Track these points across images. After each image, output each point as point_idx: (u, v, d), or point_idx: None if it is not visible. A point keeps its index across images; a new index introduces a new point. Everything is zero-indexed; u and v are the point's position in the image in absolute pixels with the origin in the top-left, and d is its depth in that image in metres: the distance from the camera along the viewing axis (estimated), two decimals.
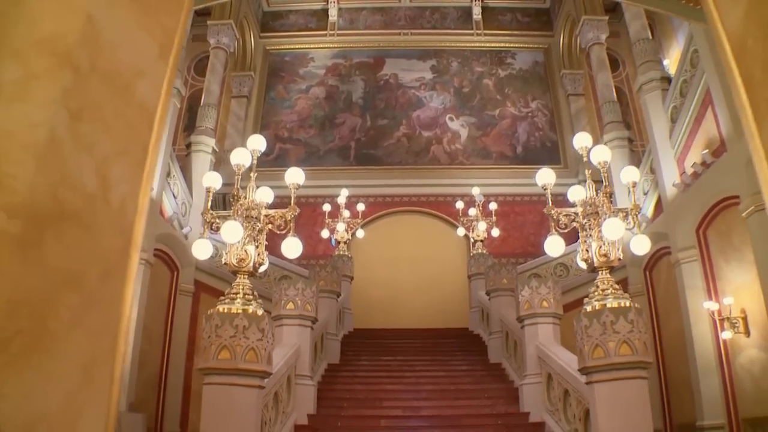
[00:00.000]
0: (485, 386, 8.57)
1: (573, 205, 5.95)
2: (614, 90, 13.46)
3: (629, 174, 5.72)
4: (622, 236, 5.40)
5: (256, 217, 5.56)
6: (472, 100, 15.45)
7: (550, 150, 14.91)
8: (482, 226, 12.19)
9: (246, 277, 5.43)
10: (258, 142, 5.82)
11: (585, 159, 5.90)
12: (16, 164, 1.66)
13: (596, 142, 13.69)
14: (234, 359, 4.95)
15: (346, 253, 12.22)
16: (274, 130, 15.05)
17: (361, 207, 12.67)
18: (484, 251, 12.16)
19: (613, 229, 5.14)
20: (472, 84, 15.63)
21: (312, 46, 16.08)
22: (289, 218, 5.61)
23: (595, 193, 5.70)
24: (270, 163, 13.69)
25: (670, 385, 10.14)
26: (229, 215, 5.48)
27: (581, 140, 5.91)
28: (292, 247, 5.45)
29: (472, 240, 12.53)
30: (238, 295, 5.29)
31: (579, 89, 15.38)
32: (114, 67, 2.11)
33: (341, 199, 12.34)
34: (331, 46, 16.10)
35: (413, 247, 13.77)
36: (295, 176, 5.74)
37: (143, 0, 2.36)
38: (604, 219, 5.34)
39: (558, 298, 7.64)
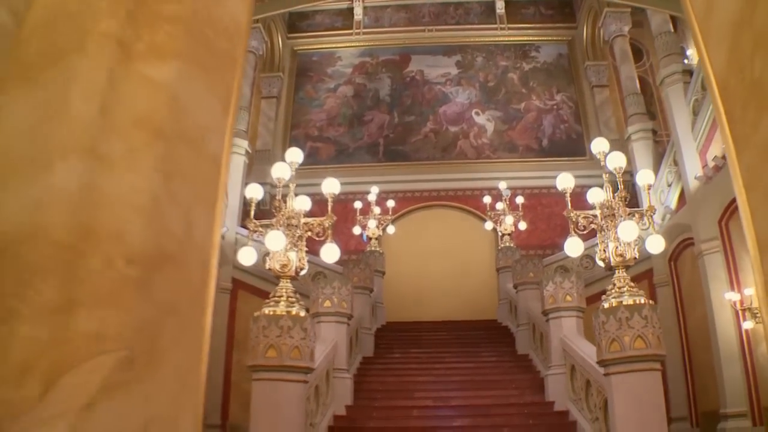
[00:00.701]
0: (513, 377, 9.01)
1: (592, 206, 6.32)
2: (638, 81, 13.65)
3: (645, 177, 6.07)
4: (642, 234, 5.76)
5: (296, 225, 6.05)
6: (498, 94, 15.75)
7: (576, 142, 15.15)
8: (509, 219, 12.57)
9: (288, 281, 5.94)
10: (295, 155, 6.32)
11: (603, 163, 6.24)
12: (129, 222, 2.14)
13: (621, 133, 13.98)
14: (280, 357, 5.48)
15: (378, 248, 12.72)
16: (304, 129, 15.57)
17: (391, 203, 13.17)
18: (512, 244, 12.54)
19: (627, 231, 5.52)
20: (497, 78, 15.93)
21: (339, 45, 16.52)
22: (326, 225, 6.10)
23: (612, 195, 6.05)
24: (302, 161, 14.20)
25: (695, 372, 10.43)
26: (271, 224, 5.98)
27: (598, 145, 6.26)
28: (330, 253, 5.95)
29: (499, 233, 12.91)
30: (282, 298, 5.82)
31: (603, 80, 15.56)
32: (191, 130, 2.58)
33: (371, 197, 12.83)
34: (357, 44, 16.51)
35: (442, 241, 14.20)
36: (331, 186, 6.23)
37: (209, 66, 2.83)
38: (620, 221, 5.71)
39: (581, 292, 8.03)
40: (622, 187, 5.99)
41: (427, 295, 13.58)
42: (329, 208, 6.18)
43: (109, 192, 2.07)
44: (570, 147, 15.02)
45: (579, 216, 6.12)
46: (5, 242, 1.84)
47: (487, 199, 13.09)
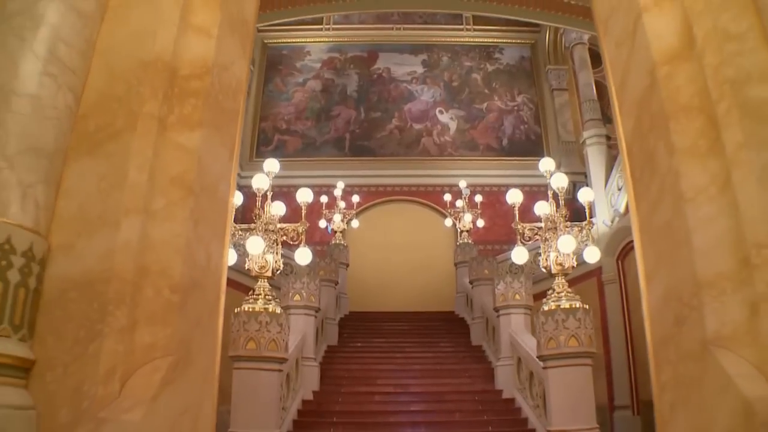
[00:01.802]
0: (467, 366, 9.96)
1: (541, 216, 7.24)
2: (595, 86, 14.65)
3: (585, 194, 7.01)
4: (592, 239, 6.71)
5: (273, 230, 6.81)
6: (461, 93, 16.59)
7: (535, 142, 16.13)
8: (468, 217, 13.50)
9: (266, 280, 6.71)
10: (273, 165, 7.05)
11: (548, 180, 7.14)
12: (171, 261, 2.91)
13: (578, 135, 15.04)
14: (259, 349, 6.26)
15: (342, 242, 13.52)
16: (273, 121, 16.17)
17: (356, 198, 13.96)
18: (470, 241, 13.48)
19: (566, 244, 6.45)
20: (461, 78, 16.75)
21: (308, 39, 17.09)
22: (300, 231, 6.87)
23: (555, 211, 6.98)
24: (269, 153, 14.77)
25: (637, 365, 11.56)
26: (250, 228, 6.73)
27: (545, 164, 7.16)
28: (304, 256, 6.74)
29: (458, 230, 13.84)
30: (260, 296, 6.58)
31: (563, 84, 16.53)
32: (210, 181, 3.35)
33: (338, 192, 13.60)
34: (326, 39, 17.11)
35: (404, 235, 15.04)
36: (304, 195, 7.01)
37: (221, 125, 3.58)
38: (560, 235, 6.64)
39: (529, 291, 8.99)
40: (563, 204, 6.92)
41: (388, 286, 14.43)
42: (303, 215, 6.97)
43: (157, 239, 2.86)
44: (529, 147, 15.98)
45: (525, 228, 7.04)
46: (89, 282, 2.62)
47: (447, 197, 13.99)
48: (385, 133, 16.18)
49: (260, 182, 6.71)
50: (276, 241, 6.86)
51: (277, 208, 7.10)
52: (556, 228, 6.86)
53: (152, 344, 2.73)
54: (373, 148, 16.04)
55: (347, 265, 13.37)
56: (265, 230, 6.78)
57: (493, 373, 9.23)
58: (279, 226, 6.91)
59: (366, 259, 14.56)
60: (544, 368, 6.79)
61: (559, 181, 6.94)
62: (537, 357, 6.95)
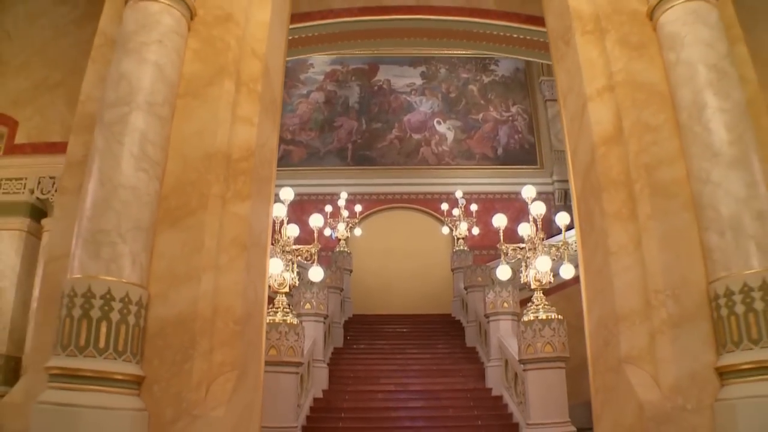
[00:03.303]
0: (461, 366, 11.15)
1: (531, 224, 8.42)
2: None
3: (562, 218, 8.15)
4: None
5: (288, 251, 7.98)
6: (458, 104, 17.72)
7: (528, 152, 17.28)
8: (464, 226, 14.66)
9: (284, 295, 7.89)
10: (288, 194, 8.20)
11: (529, 205, 8.30)
12: (234, 301, 4.06)
13: None
14: (279, 355, 7.43)
15: (346, 249, 14.70)
16: (279, 132, 17.26)
17: (358, 208, 15.13)
18: (465, 248, 14.65)
19: (543, 264, 7.62)
20: (458, 89, 17.88)
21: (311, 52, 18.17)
22: (313, 252, 8.05)
23: (535, 234, 8.15)
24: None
25: None
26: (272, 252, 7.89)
27: (527, 192, 8.31)
28: (316, 274, 7.93)
29: (455, 237, 15.01)
30: (279, 309, 7.75)
31: (556, 95, 17.64)
32: (257, 237, 4.51)
33: (341, 202, 14.77)
34: (329, 53, 18.20)
35: (404, 241, 16.22)
36: (317, 221, 8.17)
37: (262, 191, 4.73)
38: (539, 255, 7.81)
39: (516, 300, 10.17)
40: (541, 228, 8.10)
41: (389, 290, 15.63)
42: (315, 238, 8.14)
43: (223, 286, 4.04)
44: (523, 156, 17.14)
45: (509, 248, 8.22)
46: (181, 321, 3.79)
47: (444, 206, 15.17)
48: (386, 143, 17.32)
49: (277, 211, 7.86)
50: (291, 261, 8.02)
51: (292, 230, 8.26)
52: (535, 249, 8.03)
53: (223, 362, 3.90)
54: (375, 158, 17.19)
55: (351, 271, 14.55)
56: (282, 251, 7.94)
57: (484, 373, 10.42)
58: (294, 247, 8.07)
59: (368, 264, 15.73)
60: (524, 370, 7.99)
61: (538, 209, 8.10)
62: (518, 360, 8.15)
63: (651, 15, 4.71)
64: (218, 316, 3.95)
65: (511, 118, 17.62)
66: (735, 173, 3.95)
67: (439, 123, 17.54)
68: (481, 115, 17.60)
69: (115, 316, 3.54)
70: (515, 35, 9.14)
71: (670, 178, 4.23)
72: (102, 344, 3.48)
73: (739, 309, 3.69)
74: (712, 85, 4.21)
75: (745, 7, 10.05)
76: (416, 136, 17.41)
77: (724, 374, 3.74)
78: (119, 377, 3.50)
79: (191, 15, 4.57)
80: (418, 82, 17.95)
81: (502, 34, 9.20)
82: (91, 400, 3.37)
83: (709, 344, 3.85)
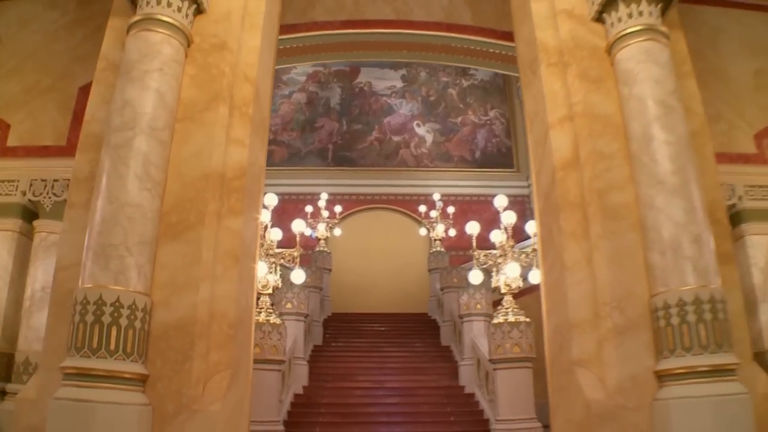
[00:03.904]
0: (435, 364, 11.73)
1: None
2: None
3: (532, 227, 8.71)
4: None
5: (272, 255, 8.46)
6: (438, 107, 18.27)
7: (505, 155, 17.90)
8: (441, 228, 15.23)
9: (267, 295, 8.37)
10: (271, 200, 8.67)
11: (501, 213, 8.87)
12: (228, 308, 4.54)
13: None
14: (263, 353, 7.92)
15: (325, 248, 15.19)
16: (266, 148, 17.70)
17: (338, 208, 15.61)
18: (442, 249, 15.23)
19: (512, 270, 8.19)
20: (438, 93, 18.42)
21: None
22: (295, 255, 8.53)
23: (506, 241, 8.71)
24: None
25: None
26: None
27: (499, 201, 8.87)
28: (298, 276, 8.42)
29: (432, 238, 15.58)
30: (263, 309, 8.23)
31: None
32: (248, 249, 4.99)
33: (322, 203, 15.25)
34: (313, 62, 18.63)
35: (383, 241, 16.77)
36: (299, 226, 8.64)
37: (253, 206, 5.21)
38: (509, 262, 8.38)
39: (489, 301, 10.76)
40: (511, 235, 8.66)
41: (367, 289, 16.17)
42: (297, 242, 8.62)
43: (219, 294, 4.52)
44: (500, 160, 17.76)
45: (481, 254, 8.78)
46: (182, 325, 4.26)
47: (422, 208, 15.72)
48: (366, 145, 17.83)
49: (261, 216, 8.32)
50: (275, 263, 8.50)
51: (275, 235, 8.74)
52: (505, 255, 8.60)
53: (219, 362, 4.39)
54: (355, 159, 17.70)
55: (330, 270, 15.05)
56: (266, 254, 8.41)
57: (458, 371, 11.00)
58: (277, 251, 8.55)
59: (347, 263, 16.26)
60: (494, 370, 8.57)
61: (509, 218, 8.66)
62: (489, 360, 8.72)
63: (609, 50, 5.25)
64: (214, 320, 4.43)
65: (489, 122, 18.21)
66: (676, 200, 4.51)
67: (418, 125, 18.09)
68: (459, 119, 18.17)
69: (123, 322, 4.00)
70: (491, 50, 9.66)
71: (620, 202, 4.78)
72: (112, 346, 3.95)
73: (675, 320, 4.26)
74: (659, 120, 4.76)
75: (708, 25, 10.77)
76: (396, 138, 17.94)
77: (661, 377, 4.30)
78: (127, 376, 3.97)
79: (188, 43, 5.02)
80: (399, 84, 18.46)
81: (479, 48, 9.70)
82: (104, 396, 3.84)
83: (649, 350, 4.41)
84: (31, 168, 8.99)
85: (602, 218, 4.73)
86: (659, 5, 5.21)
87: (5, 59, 9.49)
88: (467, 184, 17.36)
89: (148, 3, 4.94)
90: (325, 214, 15.37)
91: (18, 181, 8.95)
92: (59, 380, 4.00)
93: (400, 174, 17.58)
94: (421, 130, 18.05)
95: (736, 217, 9.28)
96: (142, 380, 4.08)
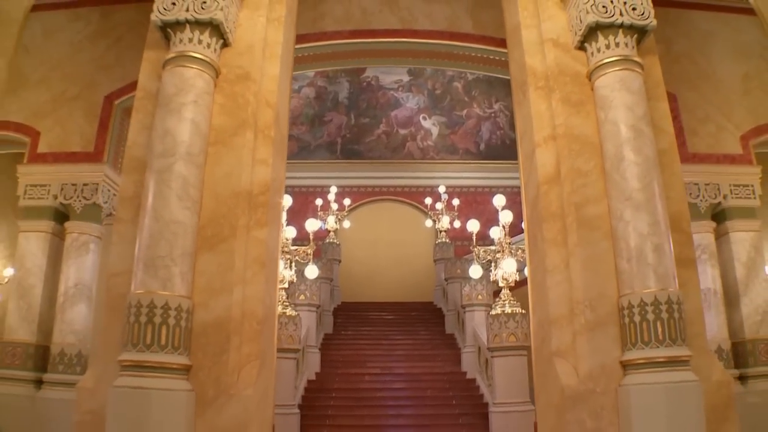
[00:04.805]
0: (440, 351, 12.61)
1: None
2: None
3: None
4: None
5: (287, 252, 9.32)
6: (443, 101, 18.98)
7: (509, 147, 18.58)
8: (446, 219, 16.06)
9: (283, 290, 9.24)
10: (286, 201, 9.49)
11: (499, 212, 9.67)
12: (257, 307, 5.39)
13: None
14: (280, 343, 8.78)
15: (335, 240, 16.06)
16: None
17: (347, 201, 16.46)
18: (447, 240, 16.06)
19: (508, 265, 9.02)
20: (444, 86, 19.10)
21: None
22: (309, 252, 9.38)
23: (504, 237, 9.53)
24: None
25: None
26: None
27: (498, 201, 9.68)
28: (312, 272, 9.28)
29: (437, 230, 16.41)
30: (279, 303, 9.10)
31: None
32: (272, 254, 5.82)
33: (331, 196, 16.10)
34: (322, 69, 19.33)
35: (390, 232, 17.63)
36: (313, 225, 9.50)
37: (275, 215, 6.04)
38: (506, 257, 9.21)
39: (489, 292, 11.61)
40: (508, 233, 9.48)
41: (376, 279, 17.06)
42: (311, 239, 9.47)
43: (249, 295, 5.38)
44: (504, 151, 18.49)
45: (481, 250, 9.61)
46: (218, 323, 5.13)
47: (428, 200, 16.55)
48: (374, 138, 18.61)
49: None
50: (290, 260, 9.37)
51: (290, 232, 9.59)
52: (503, 251, 9.43)
53: (249, 353, 5.25)
54: (363, 152, 18.49)
55: (339, 261, 15.94)
56: (282, 251, 9.27)
57: (461, 358, 11.88)
58: (292, 248, 9.41)
59: (356, 254, 17.14)
60: (492, 357, 9.44)
61: (506, 217, 9.48)
62: (487, 348, 9.59)
63: (590, 77, 6.01)
64: (245, 318, 5.29)
65: (493, 114, 18.92)
66: (641, 214, 5.31)
67: (424, 119, 18.82)
68: (464, 112, 18.88)
69: (171, 321, 4.87)
70: (492, 56, 10.39)
71: (594, 214, 5.58)
72: (163, 342, 4.81)
73: (637, 318, 5.08)
74: (629, 142, 5.54)
75: (700, 30, 11.46)
76: (403, 131, 18.70)
77: (625, 366, 5.13)
78: (175, 366, 4.84)
79: (216, 74, 5.83)
80: (405, 78, 19.12)
81: (480, 55, 10.45)
82: (156, 384, 4.71)
83: (616, 343, 5.23)
84: (61, 173, 9.87)
85: (578, 228, 5.53)
86: (634, 36, 5.94)
87: (33, 69, 10.28)
88: (472, 175, 18.14)
89: (180, 41, 5.73)
90: (335, 206, 16.21)
91: (49, 185, 9.83)
92: (115, 371, 4.86)
93: (407, 166, 18.38)
94: (427, 123, 18.80)
95: (721, 215, 10.11)
96: (186, 370, 4.95)
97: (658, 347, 4.97)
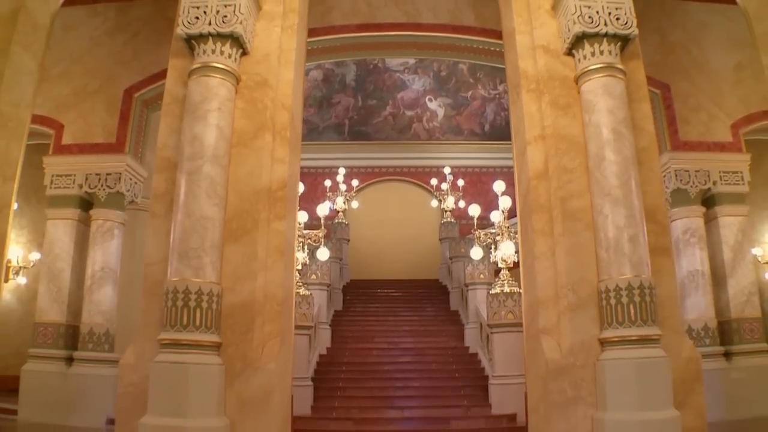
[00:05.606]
0: (444, 327, 13.44)
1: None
2: None
3: None
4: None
5: (300, 235, 10.09)
6: (449, 83, 19.56)
7: None
8: (451, 200, 16.78)
9: (297, 271, 10.02)
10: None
11: (499, 198, 10.39)
12: (277, 290, 6.16)
13: None
14: (296, 320, 9.60)
15: (344, 220, 16.84)
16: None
17: (355, 182, 17.21)
18: (452, 220, 16.81)
19: (506, 248, 9.76)
20: (449, 68, 19.66)
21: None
22: (320, 236, 10.15)
23: (503, 220, 10.26)
24: None
25: None
26: None
27: (498, 186, 10.39)
28: (323, 254, 10.07)
29: (443, 209, 17.15)
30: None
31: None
32: (289, 243, 6.59)
33: (340, 177, 16.83)
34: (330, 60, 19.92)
35: (397, 211, 18.39)
36: (324, 210, 10.25)
37: (292, 208, 6.79)
38: (505, 240, 9.95)
39: (491, 272, 12.37)
40: (506, 217, 10.21)
41: (383, 257, 17.86)
42: (321, 224, 10.24)
43: (270, 280, 6.21)
44: (508, 132, 18.85)
45: (481, 233, 10.36)
46: (244, 305, 5.96)
47: (434, 181, 17.26)
48: (381, 119, 19.27)
49: None
50: (302, 243, 10.14)
51: (302, 217, 10.35)
52: (501, 234, 10.17)
53: (271, 331, 6.04)
54: (370, 133, 19.17)
55: (348, 240, 16.73)
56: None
57: (464, 334, 12.70)
58: (305, 232, 10.18)
59: (364, 233, 17.93)
60: (491, 333, 10.24)
61: (505, 203, 10.19)
62: (487, 325, 10.39)
63: (577, 81, 6.67)
64: (267, 301, 6.08)
65: (498, 95, 19.50)
66: (619, 209, 6.01)
67: (430, 100, 19.44)
68: (469, 93, 19.48)
69: (203, 305, 5.65)
70: (493, 48, 11.00)
71: (578, 207, 6.29)
72: (197, 323, 5.60)
73: (613, 301, 5.82)
74: (610, 144, 6.23)
75: (694, 20, 12.01)
76: (409, 113, 19.34)
77: (603, 343, 5.87)
78: (208, 343, 5.63)
79: (237, 81, 6.53)
80: (411, 61, 19.67)
81: (481, 47, 11.07)
82: (193, 359, 5.51)
83: (595, 323, 5.98)
84: (85, 163, 10.65)
85: (563, 220, 6.25)
86: (618, 44, 6.59)
87: (54, 63, 10.96)
88: (477, 156, 18.81)
89: (204, 51, 6.42)
90: (343, 187, 16.95)
91: (75, 175, 10.61)
92: (154, 348, 5.65)
93: (413, 147, 19.06)
94: (432, 105, 19.42)
95: (711, 200, 10.81)
96: (217, 346, 5.74)
97: (630, 327, 5.72)
